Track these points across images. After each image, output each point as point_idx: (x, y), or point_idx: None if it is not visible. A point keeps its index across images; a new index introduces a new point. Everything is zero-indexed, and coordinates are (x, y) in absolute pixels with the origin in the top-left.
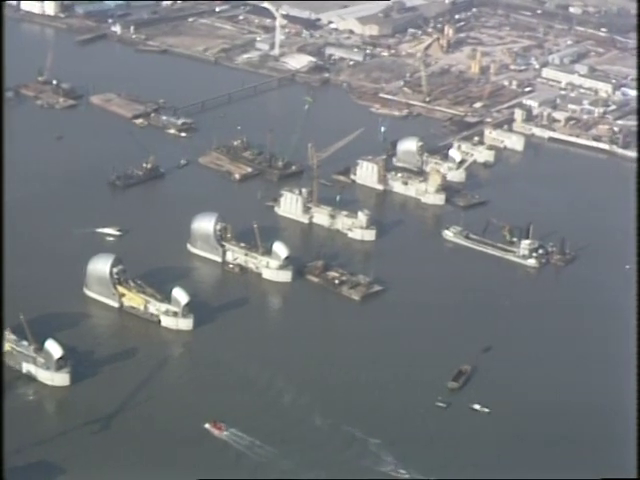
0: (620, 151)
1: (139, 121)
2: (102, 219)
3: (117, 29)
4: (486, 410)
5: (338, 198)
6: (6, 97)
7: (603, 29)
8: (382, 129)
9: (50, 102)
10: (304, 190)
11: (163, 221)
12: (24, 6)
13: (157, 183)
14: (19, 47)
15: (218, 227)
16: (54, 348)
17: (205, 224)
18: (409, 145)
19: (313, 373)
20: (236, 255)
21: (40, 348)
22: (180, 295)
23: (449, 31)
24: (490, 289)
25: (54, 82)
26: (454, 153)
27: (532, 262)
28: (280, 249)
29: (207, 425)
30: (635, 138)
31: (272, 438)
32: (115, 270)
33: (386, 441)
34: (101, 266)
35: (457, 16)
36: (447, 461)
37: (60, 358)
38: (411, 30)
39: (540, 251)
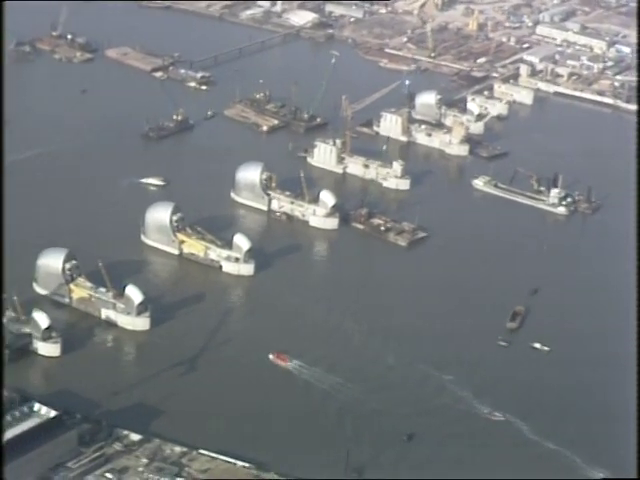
0: (624, 105)
1: (158, 74)
2: (142, 170)
3: None
4: (546, 348)
5: (385, 147)
6: (24, 51)
7: None
8: (407, 82)
9: (68, 56)
10: (338, 141)
11: (202, 171)
12: None
13: (188, 134)
14: (26, 2)
15: (264, 176)
16: (134, 293)
17: (251, 173)
18: (428, 98)
19: (375, 315)
20: (282, 203)
21: (119, 294)
22: (242, 241)
23: None
24: (526, 235)
25: (69, 36)
26: (472, 106)
27: (562, 210)
28: (327, 197)
29: (270, 356)
30: (637, 92)
31: (340, 371)
32: (175, 218)
33: (459, 378)
34: (161, 214)
35: None
36: (525, 398)
37: (140, 303)
38: None
39: (568, 199)
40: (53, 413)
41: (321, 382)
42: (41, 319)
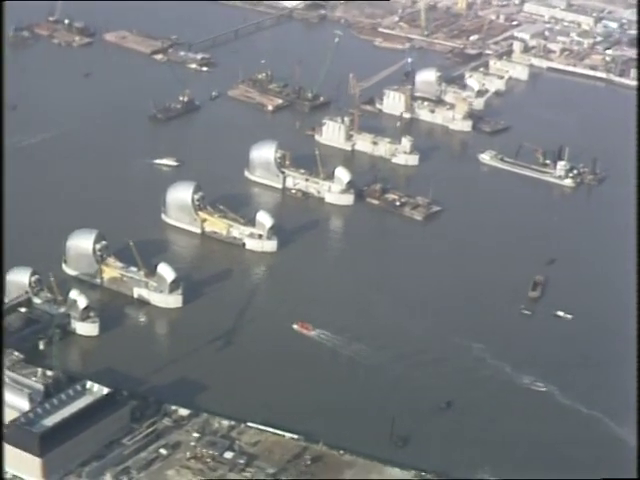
0: (617, 79)
1: (159, 57)
2: (153, 151)
3: None
4: (569, 316)
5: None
6: (23, 36)
7: None
8: (409, 60)
9: (67, 40)
10: (346, 118)
11: (214, 151)
12: None
13: (194, 115)
14: None
15: (278, 154)
16: (167, 271)
17: (266, 152)
18: (428, 75)
19: (398, 287)
20: (297, 181)
21: (151, 273)
22: (265, 218)
23: None
24: (535, 207)
25: (66, 21)
26: (472, 82)
27: (568, 182)
28: (343, 174)
29: (295, 326)
30: (629, 66)
31: (365, 339)
32: (196, 197)
33: (488, 346)
34: (182, 194)
35: None
36: (555, 365)
37: (173, 281)
38: None
39: (574, 172)
40: (105, 390)
41: (348, 350)
42: (79, 299)
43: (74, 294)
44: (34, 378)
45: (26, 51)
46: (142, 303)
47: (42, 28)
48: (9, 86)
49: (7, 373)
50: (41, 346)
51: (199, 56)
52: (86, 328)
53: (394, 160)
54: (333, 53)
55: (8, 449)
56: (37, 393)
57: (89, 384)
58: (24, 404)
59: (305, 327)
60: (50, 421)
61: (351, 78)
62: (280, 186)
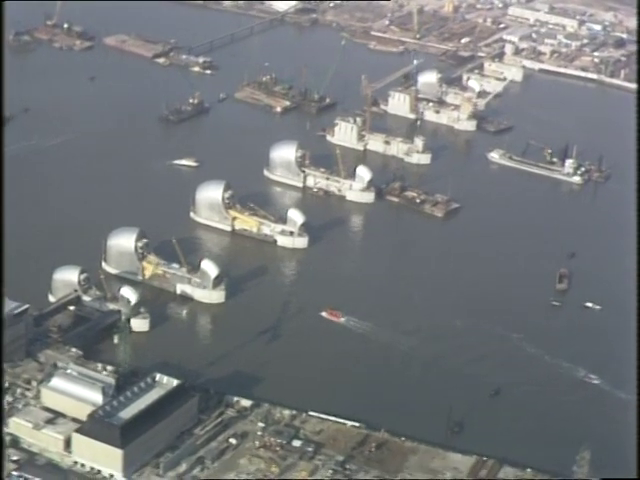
0: (608, 80)
1: (161, 60)
2: (169, 152)
3: None
4: (597, 307)
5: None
6: (24, 40)
7: None
8: (415, 62)
9: (68, 44)
10: (358, 119)
11: (230, 151)
12: None
13: (204, 117)
14: None
15: (298, 154)
16: (210, 268)
17: (286, 151)
18: (429, 77)
19: (427, 280)
20: (317, 179)
21: (194, 269)
22: (296, 216)
23: None
24: (547, 203)
25: (65, 25)
26: (473, 84)
27: (577, 179)
28: (364, 172)
29: (324, 313)
30: (619, 67)
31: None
32: (226, 195)
33: (526, 336)
34: (213, 192)
35: None
36: (594, 353)
37: (216, 277)
38: None
39: (582, 169)
40: (175, 382)
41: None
42: (130, 295)
43: (125, 290)
44: (105, 372)
45: (28, 55)
46: (185, 299)
47: (41, 32)
48: (18, 89)
49: (76, 368)
50: (115, 340)
51: (201, 59)
52: (137, 324)
53: (407, 159)
54: (340, 56)
55: (88, 442)
56: (109, 386)
57: (158, 376)
58: (97, 397)
59: (334, 314)
60: (127, 413)
61: (363, 79)
62: (300, 185)
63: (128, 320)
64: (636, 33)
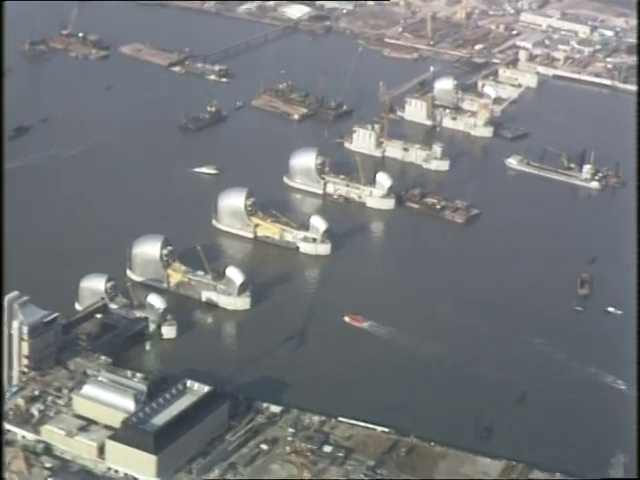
0: (621, 86)
1: (177, 69)
2: (189, 160)
3: None
4: (619, 312)
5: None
6: (40, 50)
7: None
8: (431, 69)
9: (84, 53)
10: (376, 126)
11: (249, 158)
12: None
13: (222, 125)
14: (22, 3)
15: (318, 161)
16: (236, 275)
17: (306, 159)
18: (445, 84)
19: (450, 286)
20: (337, 186)
21: (219, 276)
22: (319, 222)
23: None
24: (566, 208)
25: (80, 34)
26: (489, 90)
27: (595, 184)
28: (384, 179)
29: (346, 318)
30: (631, 73)
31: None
32: (248, 202)
33: (551, 342)
34: (235, 200)
35: None
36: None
37: (241, 284)
38: None
39: (600, 174)
40: (206, 389)
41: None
42: (157, 303)
43: (152, 298)
44: (136, 379)
45: (44, 65)
46: (210, 306)
47: (56, 41)
48: (36, 99)
49: (108, 375)
50: (147, 347)
51: (217, 67)
52: (165, 331)
53: (425, 166)
54: (356, 63)
55: (121, 448)
56: (141, 393)
57: (189, 383)
58: (129, 404)
59: (355, 319)
60: (159, 420)
61: (381, 86)
62: (321, 192)
63: (159, 327)
64: (636, 35)
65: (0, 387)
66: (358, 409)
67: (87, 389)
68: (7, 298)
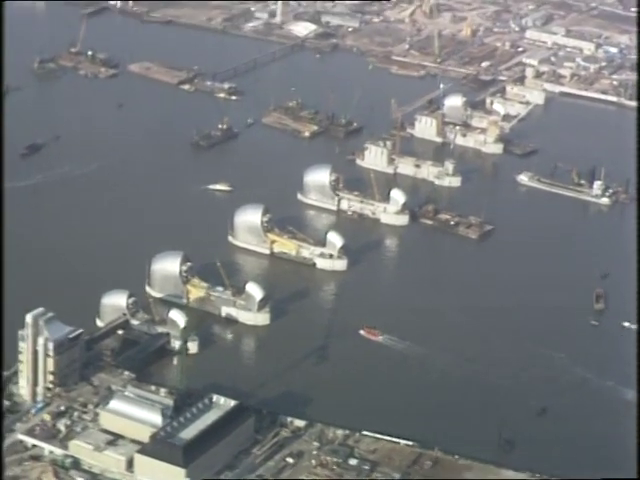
0: (628, 102)
1: (186, 87)
2: (203, 176)
3: (115, 2)
4: (634, 327)
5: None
6: (50, 68)
7: None
8: (441, 86)
9: (93, 72)
10: (388, 142)
11: (262, 175)
12: None
13: (234, 142)
14: (28, 21)
15: (332, 178)
16: (255, 290)
17: (320, 175)
18: (455, 101)
19: (466, 299)
20: (352, 203)
21: (238, 292)
22: (335, 238)
23: None
24: (577, 223)
25: (89, 53)
26: (499, 107)
27: (605, 200)
28: (398, 195)
29: (362, 331)
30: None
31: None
32: (265, 219)
33: (569, 355)
34: (251, 216)
35: None
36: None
37: (261, 299)
38: None
39: (610, 191)
40: (232, 403)
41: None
42: (179, 319)
43: (174, 314)
44: (162, 394)
45: (54, 83)
46: (230, 321)
47: (65, 59)
48: (48, 117)
49: (134, 390)
50: (175, 361)
51: (226, 85)
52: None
53: (437, 182)
54: (367, 80)
55: (150, 462)
56: (168, 408)
57: (215, 397)
58: (157, 419)
59: (372, 333)
60: (187, 434)
61: (393, 103)
62: (335, 208)
63: (185, 342)
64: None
65: (0, 390)
66: (381, 422)
67: (114, 404)
68: (32, 314)
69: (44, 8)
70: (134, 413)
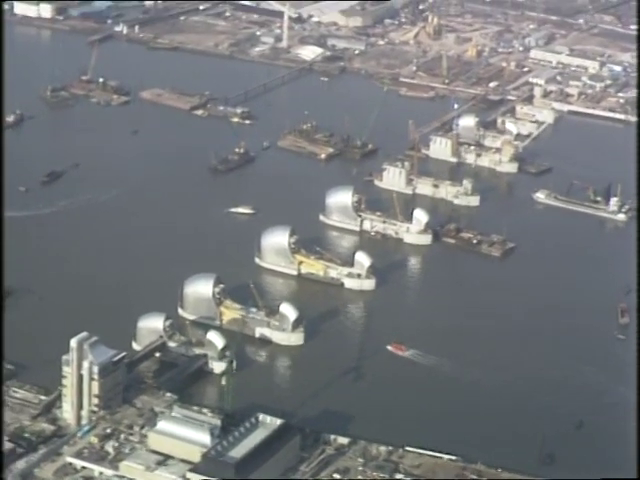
0: (634, 120)
1: (199, 112)
2: (224, 200)
3: (121, 29)
4: None
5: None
6: (63, 96)
7: (552, 14)
8: (455, 106)
9: (106, 99)
10: (406, 163)
11: (282, 198)
12: (18, 10)
13: (251, 165)
14: (35, 50)
15: (355, 199)
16: (290, 311)
17: (343, 196)
18: (468, 121)
19: (492, 316)
20: (374, 223)
21: (272, 312)
22: (363, 258)
23: (434, 19)
24: (596, 240)
25: (100, 80)
26: (511, 127)
27: (622, 217)
28: (421, 215)
29: (389, 347)
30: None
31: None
32: (292, 240)
33: (600, 369)
34: (279, 238)
35: (420, 6)
36: None
37: (295, 320)
38: (387, 20)
39: (626, 207)
40: (278, 422)
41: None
42: (217, 340)
43: (211, 335)
44: (210, 414)
45: (68, 111)
46: (264, 342)
47: (77, 87)
48: (65, 145)
49: (181, 411)
50: (223, 381)
51: (239, 109)
52: (221, 366)
53: (456, 202)
54: (381, 102)
55: None
56: (215, 428)
57: (261, 416)
58: (205, 438)
59: (399, 348)
60: (237, 452)
61: (410, 124)
62: (357, 229)
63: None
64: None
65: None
66: (422, 438)
67: (162, 425)
68: (77, 339)
69: (49, 36)
70: (182, 433)
